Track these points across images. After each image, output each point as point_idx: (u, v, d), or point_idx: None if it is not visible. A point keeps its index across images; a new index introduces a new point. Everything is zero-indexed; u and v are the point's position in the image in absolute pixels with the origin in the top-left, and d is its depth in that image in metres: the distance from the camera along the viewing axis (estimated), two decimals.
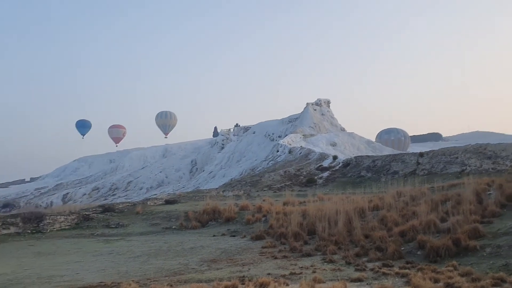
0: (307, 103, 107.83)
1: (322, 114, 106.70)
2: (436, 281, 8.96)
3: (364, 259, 12.24)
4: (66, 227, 23.92)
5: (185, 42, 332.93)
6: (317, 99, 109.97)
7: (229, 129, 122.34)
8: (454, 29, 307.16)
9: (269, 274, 10.64)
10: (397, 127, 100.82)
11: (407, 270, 10.20)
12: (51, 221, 23.77)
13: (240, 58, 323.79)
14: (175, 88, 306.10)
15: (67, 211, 27.16)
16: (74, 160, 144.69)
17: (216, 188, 52.93)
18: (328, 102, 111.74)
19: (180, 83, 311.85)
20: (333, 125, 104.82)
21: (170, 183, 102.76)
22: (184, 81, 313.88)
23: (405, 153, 57.69)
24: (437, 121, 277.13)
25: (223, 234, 19.93)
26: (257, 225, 20.53)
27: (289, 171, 56.91)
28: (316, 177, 51.74)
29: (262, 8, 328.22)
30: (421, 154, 47.67)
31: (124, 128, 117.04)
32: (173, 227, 23.39)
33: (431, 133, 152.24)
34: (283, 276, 10.29)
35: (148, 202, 32.14)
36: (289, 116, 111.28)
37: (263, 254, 14.24)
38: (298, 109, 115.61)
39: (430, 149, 54.51)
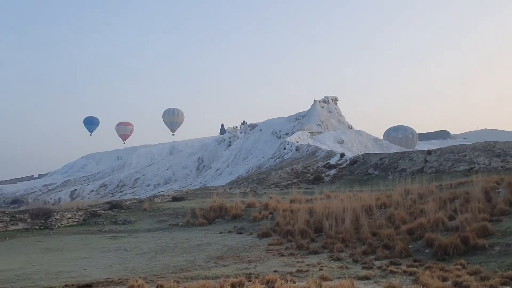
0: (314, 100, 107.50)
1: (330, 112, 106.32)
2: (444, 279, 8.88)
3: (372, 257, 12.19)
4: (74, 223, 24.04)
5: (193, 39, 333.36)
6: (325, 96, 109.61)
7: (236, 127, 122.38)
8: (462, 26, 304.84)
9: (275, 271, 10.62)
10: (405, 125, 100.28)
11: (415, 269, 10.14)
12: (59, 217, 23.90)
13: (247, 55, 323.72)
14: (182, 86, 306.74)
15: (75, 208, 27.29)
16: (82, 157, 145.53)
17: (223, 186, 52.96)
18: (335, 100, 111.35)
19: (187, 80, 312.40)
20: (341, 122, 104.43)
21: (177, 180, 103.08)
22: (191, 79, 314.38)
23: (412, 151, 57.34)
24: (445, 118, 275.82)
25: (230, 231, 19.92)
26: (263, 222, 20.51)
27: (296, 169, 56.80)
28: (323, 175, 51.58)
29: (269, 5, 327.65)
30: (429, 152, 47.37)
31: (132, 125, 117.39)
32: (180, 224, 23.43)
33: (439, 131, 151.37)
34: (290, 273, 10.25)
35: (155, 199, 32.21)
36: (296, 114, 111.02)
37: (270, 251, 14.21)
38: (305, 107, 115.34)
39: (438, 147, 54.11)
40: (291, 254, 13.44)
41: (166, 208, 27.36)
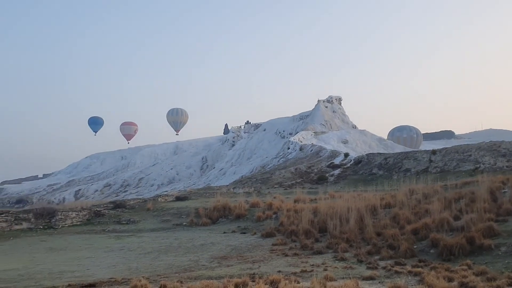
0: (318, 100, 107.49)
1: (334, 111, 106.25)
2: (450, 280, 8.78)
3: (376, 257, 12.09)
4: (78, 223, 24.04)
5: (197, 39, 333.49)
6: (329, 96, 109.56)
7: (240, 126, 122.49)
8: (467, 25, 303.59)
9: (279, 271, 10.55)
10: (409, 125, 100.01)
11: (420, 269, 10.04)
12: (62, 217, 23.91)
13: (251, 55, 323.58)
14: (186, 85, 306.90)
15: (79, 207, 27.32)
16: (86, 157, 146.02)
17: (227, 185, 52.95)
18: (339, 99, 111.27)
19: (191, 80, 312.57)
20: (345, 122, 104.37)
21: (181, 180, 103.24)
22: (195, 78, 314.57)
23: (417, 151, 57.17)
24: (449, 118, 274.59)
25: (234, 231, 19.86)
26: (267, 222, 20.43)
27: (300, 168, 56.72)
28: (327, 175, 51.52)
29: (272, 4, 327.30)
30: (433, 152, 47.22)
31: (136, 125, 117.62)
32: (184, 223, 23.40)
33: (443, 131, 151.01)
34: (294, 273, 10.18)
35: (159, 199, 32.21)
36: (300, 113, 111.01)
37: (274, 251, 14.14)
38: (309, 106, 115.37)
39: (443, 147, 53.93)
40: (295, 254, 13.35)
41: (170, 207, 27.34)
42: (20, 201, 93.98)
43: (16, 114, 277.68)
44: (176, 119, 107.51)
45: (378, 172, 48.62)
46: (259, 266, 11.55)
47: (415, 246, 12.53)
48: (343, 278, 9.50)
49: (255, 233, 18.69)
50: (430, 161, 45.05)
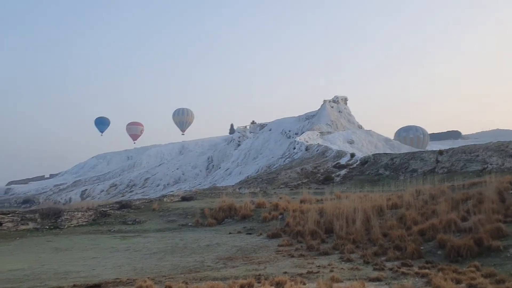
0: (324, 100, 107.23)
1: (339, 111, 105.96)
2: (458, 282, 8.69)
3: (383, 258, 11.99)
4: (84, 223, 24.09)
5: (202, 38, 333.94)
6: (334, 96, 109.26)
7: (246, 126, 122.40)
8: (473, 24, 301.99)
9: (285, 272, 10.48)
10: (416, 125, 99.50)
11: (427, 270, 9.94)
12: (68, 217, 23.97)
13: (257, 55, 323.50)
14: (192, 85, 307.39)
15: (85, 207, 27.39)
16: (93, 157, 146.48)
17: (232, 185, 52.92)
18: (345, 99, 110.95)
19: (197, 80, 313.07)
20: (351, 122, 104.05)
21: (186, 180, 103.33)
22: (201, 78, 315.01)
23: (424, 151, 56.85)
24: (456, 119, 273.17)
25: (239, 232, 19.80)
26: (273, 223, 20.36)
27: (306, 169, 56.59)
28: (333, 175, 51.35)
29: (278, 4, 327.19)
30: (440, 152, 46.94)
31: (142, 125, 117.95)
32: (189, 224, 23.38)
33: (450, 131, 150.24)
34: (300, 275, 10.11)
35: (165, 199, 32.22)
36: (305, 113, 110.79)
37: (280, 252, 14.07)
38: (315, 106, 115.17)
39: (450, 147, 53.61)
40: (301, 255, 13.27)
41: (176, 208, 27.34)
42: (27, 201, 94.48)
43: (22, 114, 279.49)
44: (182, 119, 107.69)
45: (384, 172, 48.41)
46: (265, 267, 11.49)
47: (422, 247, 12.41)
48: (349, 279, 9.43)
49: (261, 234, 18.62)
50: (437, 161, 44.79)
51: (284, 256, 13.37)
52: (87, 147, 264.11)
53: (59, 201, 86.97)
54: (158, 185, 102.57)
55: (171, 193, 50.08)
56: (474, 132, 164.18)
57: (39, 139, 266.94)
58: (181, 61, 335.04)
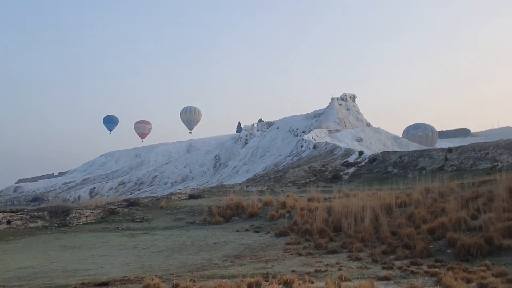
0: (332, 98, 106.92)
1: (348, 109, 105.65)
2: (468, 281, 8.56)
3: (392, 257, 11.90)
4: (92, 221, 24.21)
5: (209, 37, 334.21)
6: (343, 94, 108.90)
7: (253, 125, 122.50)
8: (482, 21, 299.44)
9: (293, 271, 10.42)
10: (424, 122, 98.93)
11: (436, 269, 9.82)
12: (77, 215, 24.10)
13: (264, 53, 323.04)
14: (199, 84, 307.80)
15: (93, 205, 27.52)
16: (101, 155, 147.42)
17: (240, 184, 52.92)
18: (353, 97, 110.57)
19: (204, 78, 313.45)
20: (359, 120, 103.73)
21: (194, 178, 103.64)
22: (208, 77, 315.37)
23: (432, 149, 56.48)
24: (465, 116, 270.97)
25: (247, 230, 19.78)
26: (281, 221, 20.32)
27: (313, 167, 56.47)
28: (341, 173, 51.19)
29: (285, 2, 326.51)
30: (449, 150, 46.54)
31: (150, 124, 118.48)
32: (197, 222, 23.41)
33: (459, 129, 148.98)
34: (308, 273, 10.04)
35: (172, 197, 32.31)
36: (313, 111, 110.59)
37: (287, 250, 14.01)
38: (323, 104, 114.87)
39: (459, 145, 53.20)
40: (309, 253, 13.20)
41: (183, 206, 27.39)
42: (36, 199, 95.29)
43: (32, 113, 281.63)
44: (190, 117, 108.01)
45: (393, 170, 48.15)
46: (273, 266, 11.44)
47: (431, 246, 12.30)
48: (358, 278, 9.34)
49: (268, 232, 18.58)
50: (446, 159, 44.43)
51: (292, 254, 13.31)
52: (95, 145, 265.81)
53: (68, 199, 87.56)
54: (165, 183, 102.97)
55: (179, 191, 50.19)
56: (483, 129, 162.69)
57: (48, 138, 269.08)
58: (189, 59, 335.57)
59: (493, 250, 10.90)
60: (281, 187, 43.14)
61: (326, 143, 75.16)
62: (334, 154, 65.03)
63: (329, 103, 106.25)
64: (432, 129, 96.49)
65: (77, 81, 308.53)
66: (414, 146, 78.18)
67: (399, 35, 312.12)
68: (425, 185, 21.55)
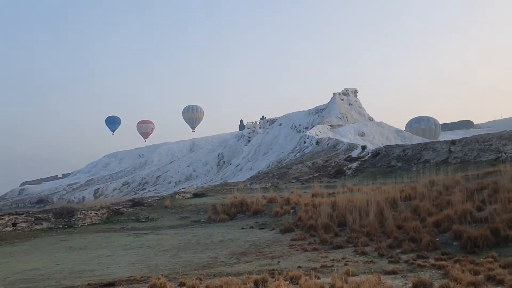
0: (334, 93, 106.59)
1: (350, 104, 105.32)
2: (476, 273, 8.52)
3: (398, 250, 11.85)
4: (97, 222, 24.23)
5: (210, 36, 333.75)
6: (344, 88, 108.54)
7: (255, 122, 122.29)
8: (483, 14, 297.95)
9: (299, 267, 10.40)
10: (427, 115, 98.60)
11: (443, 262, 9.79)
12: (82, 216, 24.12)
13: (266, 50, 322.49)
14: (201, 82, 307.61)
15: (98, 206, 27.55)
16: (105, 156, 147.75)
17: (243, 181, 52.94)
18: (355, 92, 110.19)
19: (206, 77, 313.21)
20: (361, 114, 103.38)
21: (197, 177, 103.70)
22: (210, 75, 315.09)
23: (436, 142, 56.30)
24: (468, 108, 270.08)
25: (252, 227, 19.76)
26: (285, 217, 20.28)
27: (317, 163, 56.39)
28: (345, 168, 51.09)
29: (287, 0, 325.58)
30: (453, 142, 46.39)
31: (152, 123, 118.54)
32: (202, 220, 23.40)
33: (462, 121, 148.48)
34: (314, 269, 10.01)
35: (177, 196, 32.32)
36: (315, 107, 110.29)
37: (293, 246, 13.98)
38: (324, 100, 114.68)
39: (462, 137, 53.01)
40: (315, 249, 13.17)
41: (188, 204, 27.39)
42: (40, 201, 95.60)
43: (35, 116, 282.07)
44: (192, 116, 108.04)
45: (396, 164, 48.03)
46: (279, 262, 11.41)
47: (437, 239, 12.26)
48: (364, 272, 9.31)
49: (273, 229, 18.56)
50: (450, 151, 44.27)
51: (297, 250, 13.28)
52: (99, 147, 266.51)
53: (73, 200, 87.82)
54: (169, 183, 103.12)
55: (183, 190, 50.26)
56: (486, 121, 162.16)
57: (52, 140, 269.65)
58: (191, 58, 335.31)
59: (499, 242, 10.86)
60: (285, 183, 43.10)
61: (329, 138, 75.05)
62: (337, 149, 64.92)
63: (331, 98, 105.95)
64: (435, 121, 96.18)
65: (80, 83, 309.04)
66: (417, 139, 77.96)
67: (400, 29, 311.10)
68: (429, 178, 21.48)
